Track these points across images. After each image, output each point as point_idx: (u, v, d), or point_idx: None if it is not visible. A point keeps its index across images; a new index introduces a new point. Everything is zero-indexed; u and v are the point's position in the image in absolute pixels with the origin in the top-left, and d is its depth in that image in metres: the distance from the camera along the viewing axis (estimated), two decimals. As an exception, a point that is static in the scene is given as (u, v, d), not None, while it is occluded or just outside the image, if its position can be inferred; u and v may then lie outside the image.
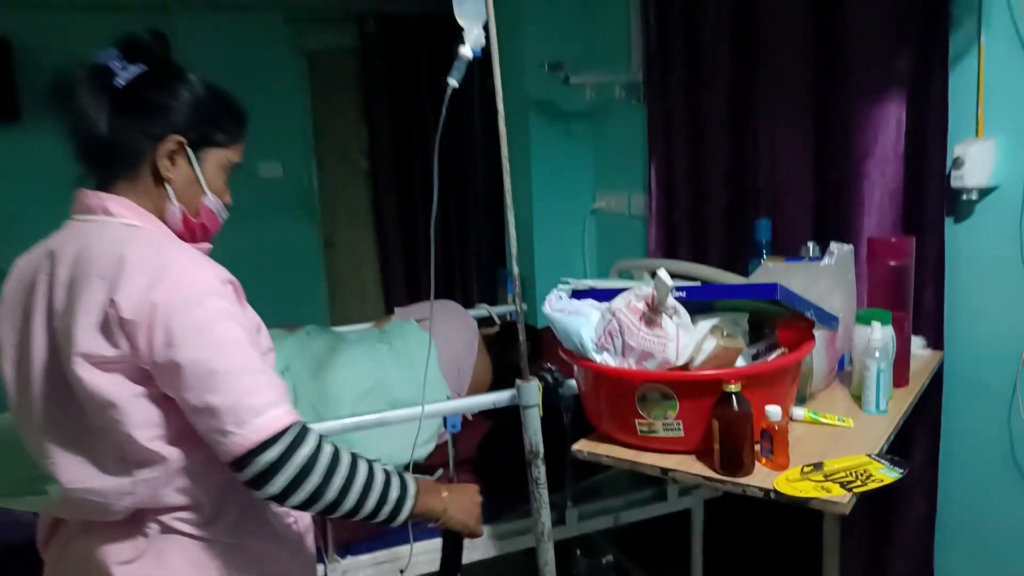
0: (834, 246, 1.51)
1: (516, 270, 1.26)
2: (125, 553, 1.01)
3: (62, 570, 1.09)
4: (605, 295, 1.38)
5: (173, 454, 0.98)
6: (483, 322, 2.70)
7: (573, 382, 1.79)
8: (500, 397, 1.80)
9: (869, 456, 1.22)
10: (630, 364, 1.27)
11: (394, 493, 1.06)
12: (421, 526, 1.77)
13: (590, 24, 3.03)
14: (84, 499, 0.99)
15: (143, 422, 0.96)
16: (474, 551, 1.82)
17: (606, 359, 1.30)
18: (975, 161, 1.61)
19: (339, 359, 2.05)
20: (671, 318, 1.27)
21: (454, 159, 4.18)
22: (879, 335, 1.37)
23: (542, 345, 2.44)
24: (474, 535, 1.24)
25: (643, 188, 2.75)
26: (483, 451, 1.93)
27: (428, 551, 1.76)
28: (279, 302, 4.02)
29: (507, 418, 1.98)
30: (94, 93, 0.99)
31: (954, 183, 1.64)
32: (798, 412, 1.38)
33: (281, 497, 0.95)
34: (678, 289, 1.29)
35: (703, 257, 2.41)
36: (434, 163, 1.27)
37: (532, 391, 1.22)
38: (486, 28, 1.24)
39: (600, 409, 1.37)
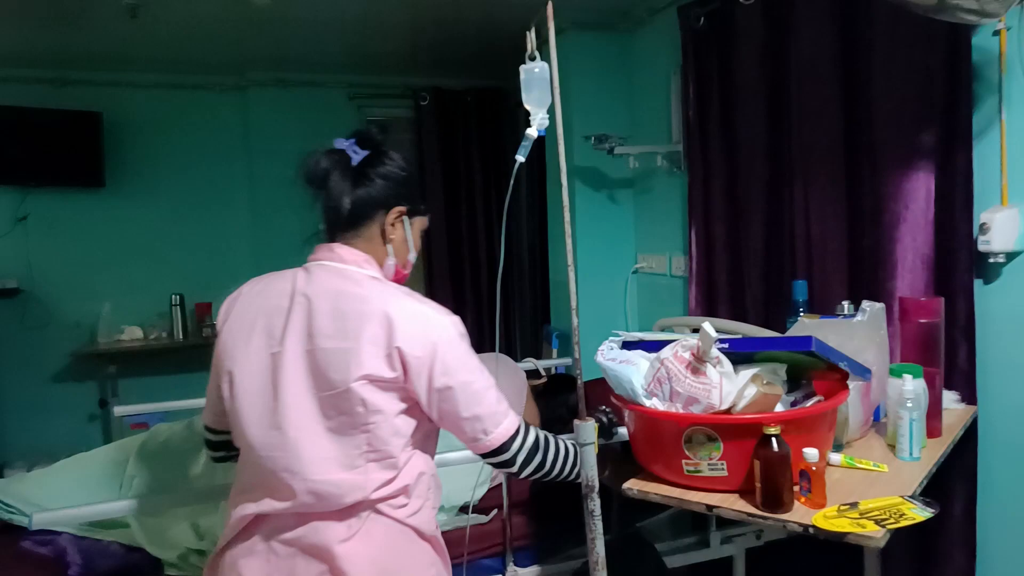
0: (866, 304, 1.63)
1: (576, 321, 1.40)
2: (342, 533, 1.21)
3: (270, 559, 1.24)
4: (653, 346, 1.52)
5: (404, 458, 1.24)
6: (529, 375, 2.83)
7: (622, 430, 1.92)
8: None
9: (902, 497, 1.31)
10: (677, 408, 1.40)
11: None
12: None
13: (632, 99, 3.24)
14: (322, 490, 1.19)
15: (397, 432, 1.22)
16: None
17: (655, 404, 1.43)
18: (1001, 227, 1.73)
19: None
20: (715, 367, 1.39)
21: (500, 221, 4.38)
22: (911, 387, 1.48)
23: (577, 412, 2.55)
24: None
25: (683, 250, 2.90)
26: (535, 493, 2.03)
27: None
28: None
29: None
30: (341, 174, 1.29)
31: (981, 247, 1.76)
32: (835, 457, 1.48)
33: (521, 468, 1.29)
34: (721, 341, 1.42)
35: (742, 315, 2.53)
36: (503, 228, 1.43)
37: (589, 430, 1.34)
38: (550, 111, 1.41)
39: (649, 450, 1.49)
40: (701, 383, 1.38)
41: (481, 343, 4.54)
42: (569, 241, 1.39)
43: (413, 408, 1.23)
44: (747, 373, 1.41)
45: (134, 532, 1.85)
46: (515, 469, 1.29)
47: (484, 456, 1.28)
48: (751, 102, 2.47)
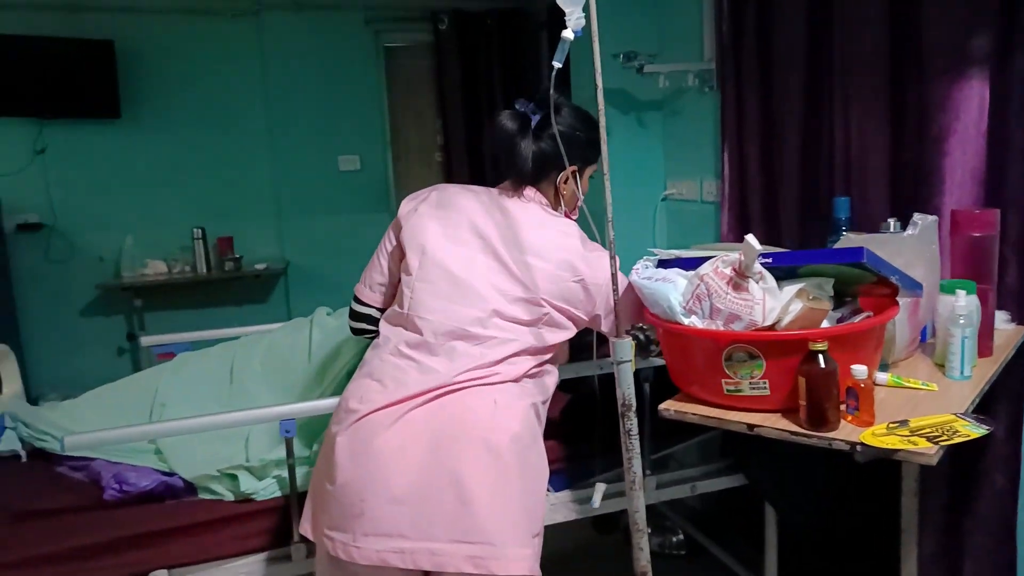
0: (917, 217, 1.54)
1: (611, 233, 1.33)
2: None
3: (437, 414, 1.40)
4: (691, 263, 1.46)
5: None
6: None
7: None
8: (582, 367, 1.90)
9: (955, 415, 1.26)
10: (718, 326, 1.34)
11: None
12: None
13: (662, 14, 3.09)
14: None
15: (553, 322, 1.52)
16: (555, 513, 1.91)
17: (694, 322, 1.37)
18: (1060, 136, 1.62)
19: None
20: (757, 283, 1.33)
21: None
22: (964, 303, 1.41)
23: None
24: None
25: (715, 174, 2.80)
26: (564, 419, 2.02)
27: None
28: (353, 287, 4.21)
29: (585, 389, 2.07)
30: (522, 136, 1.54)
31: (1038, 158, 1.66)
32: (881, 376, 1.42)
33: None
34: (764, 255, 1.35)
35: (776, 240, 2.45)
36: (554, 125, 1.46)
37: (626, 347, 1.30)
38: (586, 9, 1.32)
39: (686, 370, 1.44)
40: (743, 299, 1.32)
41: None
42: (606, 163, 1.32)
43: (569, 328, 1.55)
44: (791, 288, 1.35)
45: (166, 456, 1.86)
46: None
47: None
48: (789, 13, 2.33)
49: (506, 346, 1.45)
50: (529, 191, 1.58)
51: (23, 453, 1.98)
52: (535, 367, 1.51)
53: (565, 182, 1.58)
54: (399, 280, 1.59)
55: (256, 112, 4.18)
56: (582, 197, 1.62)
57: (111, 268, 4.10)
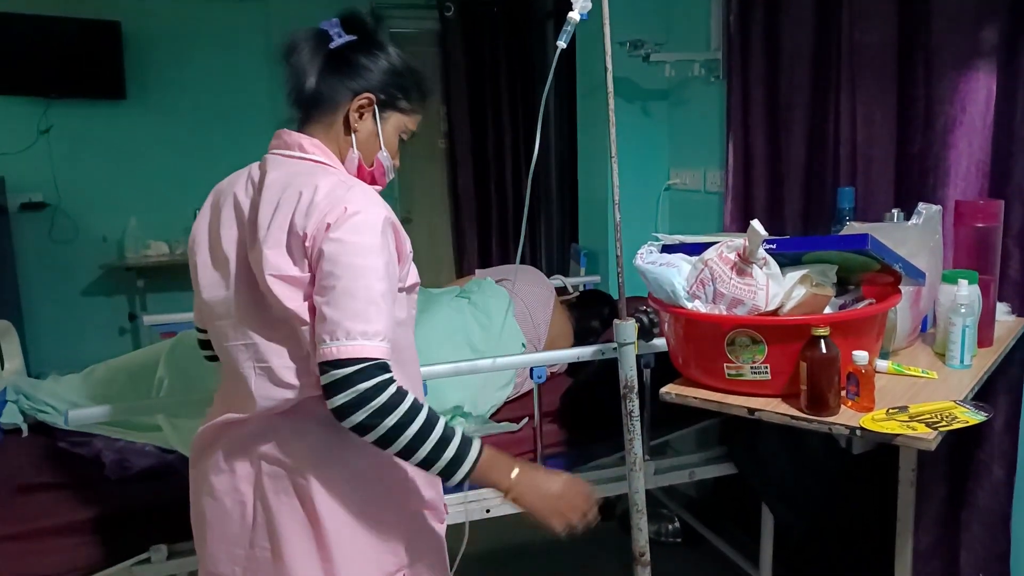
0: (922, 206, 1.55)
1: (618, 217, 1.34)
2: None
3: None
4: (695, 249, 1.46)
5: None
6: (558, 293, 2.79)
7: (654, 340, 1.89)
8: (582, 351, 1.91)
9: (954, 402, 1.27)
10: (721, 310, 1.35)
11: (449, 453, 1.09)
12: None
13: (669, 3, 3.08)
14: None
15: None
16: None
17: (697, 306, 1.38)
18: (1066, 128, 1.62)
19: (426, 309, 2.17)
20: (761, 268, 1.34)
21: (529, 137, 4.29)
22: (965, 292, 1.42)
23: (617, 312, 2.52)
24: (548, 526, 1.19)
25: (719, 164, 2.80)
26: (567, 403, 2.02)
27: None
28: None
29: (587, 374, 2.08)
30: (312, 51, 1.19)
31: (1043, 151, 1.66)
32: (882, 364, 1.43)
33: (345, 410, 1.05)
34: (768, 242, 1.35)
35: (780, 230, 2.45)
36: (538, 124, 1.37)
37: (629, 330, 1.30)
38: None
39: (688, 354, 1.45)
40: (746, 284, 1.33)
41: (506, 262, 4.51)
42: (613, 146, 1.32)
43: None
44: (794, 275, 1.35)
45: (166, 434, 1.87)
46: (337, 404, 1.04)
47: (321, 367, 1.05)
48: (797, 3, 2.32)
49: None
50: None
51: (24, 427, 1.99)
52: None
53: (360, 117, 1.21)
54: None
55: (261, 95, 4.16)
56: (383, 144, 1.24)
57: (114, 248, 4.10)
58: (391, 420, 1.04)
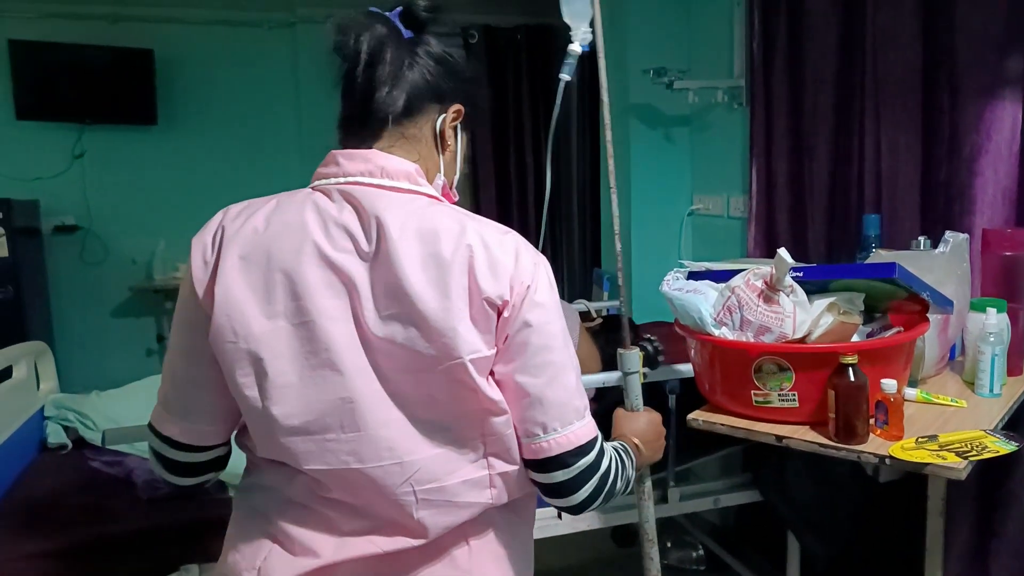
0: (949, 235, 1.55)
1: (619, 246, 1.36)
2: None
3: None
4: (722, 276, 1.47)
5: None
6: (581, 317, 2.80)
7: (680, 367, 1.90)
8: (609, 377, 1.92)
9: (984, 431, 1.26)
10: (748, 338, 1.36)
11: (630, 474, 1.04)
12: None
13: (693, 30, 3.12)
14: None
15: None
16: (577, 522, 1.92)
17: (724, 333, 1.39)
18: (1093, 158, 1.62)
19: None
20: (788, 296, 1.35)
21: (553, 163, 4.33)
22: (994, 320, 1.41)
23: (640, 337, 2.53)
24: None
25: (742, 190, 2.81)
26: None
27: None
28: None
29: (612, 399, 2.09)
30: (395, 47, 0.91)
31: (1071, 180, 1.66)
32: (910, 392, 1.43)
33: (583, 503, 0.94)
34: (795, 269, 1.37)
35: (803, 256, 2.46)
36: (547, 155, 1.38)
37: (634, 359, 1.31)
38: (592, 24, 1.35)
39: (715, 381, 1.46)
40: (774, 312, 1.34)
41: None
42: (613, 177, 1.34)
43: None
44: (822, 303, 1.36)
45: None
46: (574, 502, 0.92)
47: (531, 466, 0.90)
48: (821, 31, 2.35)
49: None
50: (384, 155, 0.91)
51: (69, 443, 2.03)
52: None
53: (455, 132, 0.98)
54: None
55: (288, 121, 4.26)
56: (461, 165, 1.02)
57: (143, 271, 4.18)
58: (617, 485, 0.98)
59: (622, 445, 1.07)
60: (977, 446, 1.21)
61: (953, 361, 1.65)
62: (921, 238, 1.79)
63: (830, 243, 2.40)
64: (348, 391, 0.84)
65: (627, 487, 1.03)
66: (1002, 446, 1.20)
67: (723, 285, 1.43)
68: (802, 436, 1.32)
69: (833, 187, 2.36)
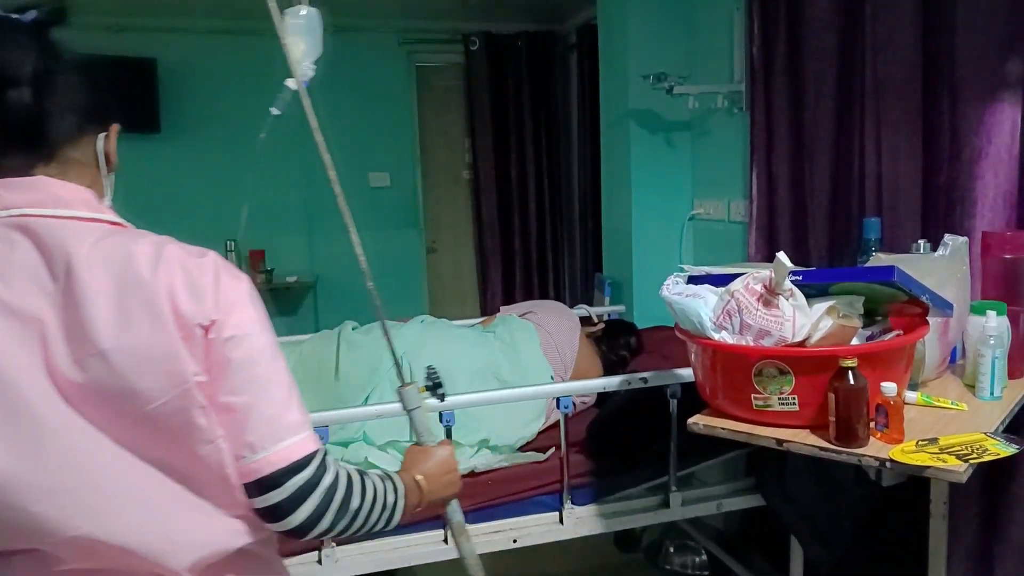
0: (948, 238, 1.55)
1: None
2: None
3: None
4: (721, 280, 1.48)
5: None
6: (583, 323, 2.81)
7: (680, 371, 1.90)
8: (609, 382, 1.92)
9: (984, 434, 1.26)
10: (747, 341, 1.36)
11: (392, 496, 0.98)
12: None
13: (692, 36, 3.13)
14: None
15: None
16: (579, 527, 1.92)
17: (724, 337, 1.39)
18: (1093, 160, 1.62)
19: (452, 344, 2.20)
20: (787, 299, 1.35)
21: (552, 168, 4.34)
22: (994, 323, 1.42)
23: (642, 342, 2.53)
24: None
25: (743, 194, 2.82)
26: (593, 433, 2.03)
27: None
28: (384, 302, 4.28)
29: (614, 404, 2.09)
30: (38, 56, 0.86)
31: (1070, 182, 1.66)
32: (911, 395, 1.43)
33: (303, 526, 0.88)
34: (794, 273, 1.37)
35: (804, 260, 2.46)
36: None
37: (413, 394, 1.19)
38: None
39: (715, 385, 1.46)
40: (773, 316, 1.34)
41: (529, 293, 4.54)
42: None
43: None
44: (821, 306, 1.36)
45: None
46: (293, 523, 0.85)
47: (247, 490, 0.84)
48: (821, 37, 2.35)
49: None
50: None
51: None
52: None
53: (108, 154, 0.96)
54: None
55: (290, 129, 4.25)
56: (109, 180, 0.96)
57: (146, 278, 4.20)
58: (360, 505, 0.91)
59: (386, 473, 1.02)
60: (978, 449, 1.20)
61: (954, 364, 1.64)
62: (921, 241, 1.79)
63: (831, 247, 2.40)
64: (56, 447, 0.77)
65: (388, 514, 0.96)
66: (1003, 448, 1.20)
67: (722, 289, 1.43)
68: (803, 440, 1.32)
69: (834, 191, 2.36)
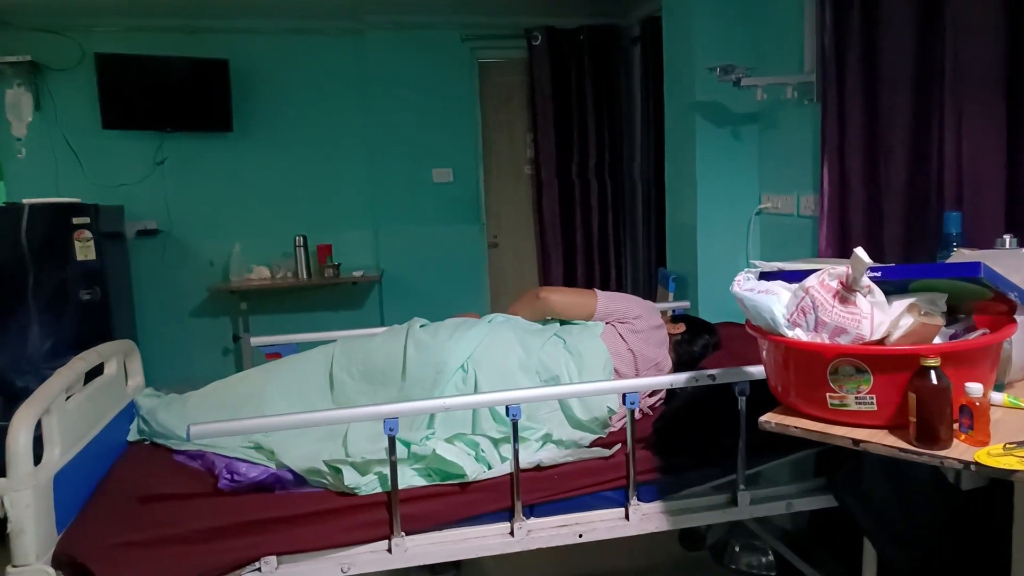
0: (1037, 233, 1.49)
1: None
2: None
3: None
4: (795, 276, 1.45)
5: None
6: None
7: (749, 369, 1.87)
8: (676, 379, 1.91)
9: (1078, 438, 1.21)
10: (823, 339, 1.33)
11: None
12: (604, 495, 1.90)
13: (759, 26, 3.06)
14: None
15: None
16: (646, 523, 1.91)
17: (798, 334, 1.36)
18: None
19: (514, 351, 2.17)
20: (865, 296, 1.32)
21: (615, 163, 4.31)
22: (1087, 322, 1.35)
23: (720, 339, 2.47)
24: None
25: (813, 188, 2.75)
26: (659, 429, 2.02)
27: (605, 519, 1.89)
28: (447, 296, 4.34)
29: (681, 401, 2.07)
30: None
31: None
32: (997, 396, 1.37)
33: None
34: (873, 269, 1.33)
35: (879, 255, 2.39)
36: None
37: None
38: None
39: (788, 383, 1.43)
40: (850, 312, 1.31)
41: (591, 287, 4.52)
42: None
43: None
44: (900, 303, 1.32)
45: (276, 453, 1.95)
46: None
47: None
48: (897, 23, 2.28)
49: None
50: None
51: (148, 440, 2.13)
52: None
53: None
54: None
55: (356, 126, 4.36)
56: None
57: (220, 272, 4.35)
58: None
59: None
60: (1070, 453, 1.15)
61: (1043, 364, 1.57)
62: (1007, 236, 1.72)
63: (907, 242, 2.32)
64: None
65: None
66: (1098, 454, 1.15)
67: (796, 285, 1.40)
68: (881, 440, 1.29)
69: (911, 184, 2.28)
